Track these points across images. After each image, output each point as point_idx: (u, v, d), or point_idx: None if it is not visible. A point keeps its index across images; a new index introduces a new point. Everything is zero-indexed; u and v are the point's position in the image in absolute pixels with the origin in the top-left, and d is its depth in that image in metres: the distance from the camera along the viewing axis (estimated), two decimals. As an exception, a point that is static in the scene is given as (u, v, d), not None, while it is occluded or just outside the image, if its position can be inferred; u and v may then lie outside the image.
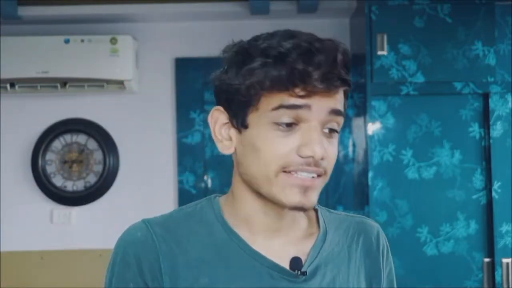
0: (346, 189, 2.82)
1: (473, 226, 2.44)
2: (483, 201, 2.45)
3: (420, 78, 2.45)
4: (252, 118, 0.89)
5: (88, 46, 2.67)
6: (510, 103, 2.46)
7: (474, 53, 2.46)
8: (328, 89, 0.87)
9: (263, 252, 0.93)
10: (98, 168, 2.84)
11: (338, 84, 0.88)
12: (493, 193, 2.42)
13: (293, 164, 0.87)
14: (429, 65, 2.46)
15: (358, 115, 2.71)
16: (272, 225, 0.95)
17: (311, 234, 0.98)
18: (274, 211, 0.93)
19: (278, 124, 0.87)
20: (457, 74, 2.46)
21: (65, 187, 2.84)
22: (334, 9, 2.76)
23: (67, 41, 2.68)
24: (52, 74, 2.67)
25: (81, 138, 2.87)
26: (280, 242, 0.95)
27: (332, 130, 0.90)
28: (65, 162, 2.85)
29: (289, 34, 0.91)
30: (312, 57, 0.87)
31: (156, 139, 2.88)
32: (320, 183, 0.91)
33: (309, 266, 0.93)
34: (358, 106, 2.71)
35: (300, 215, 0.98)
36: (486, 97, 2.47)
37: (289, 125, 0.87)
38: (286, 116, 0.87)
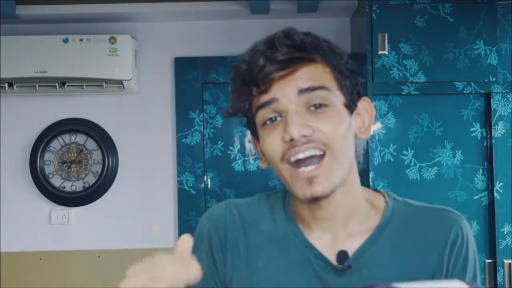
0: (346, 190, 2.80)
1: (475, 227, 2.43)
2: (485, 201, 2.44)
3: (421, 78, 2.44)
4: (257, 126, 0.97)
5: (87, 46, 2.66)
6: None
7: (476, 53, 2.45)
8: (278, 72, 0.90)
9: (316, 243, 0.98)
10: (97, 168, 2.83)
11: (285, 65, 0.90)
12: (495, 194, 2.41)
13: (285, 151, 0.91)
14: (430, 65, 2.45)
15: (358, 115, 2.70)
16: (320, 216, 0.97)
17: (370, 229, 0.99)
18: (310, 206, 0.97)
19: (265, 125, 0.94)
20: (458, 74, 2.45)
21: (63, 187, 2.82)
22: (334, 8, 2.75)
23: (65, 41, 2.66)
24: (51, 73, 2.65)
25: (80, 138, 2.85)
26: (334, 235, 0.98)
27: (319, 106, 0.91)
28: (63, 162, 2.84)
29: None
30: (253, 55, 0.92)
31: (156, 139, 2.87)
32: (327, 164, 0.91)
33: (356, 260, 0.96)
34: (358, 106, 2.70)
35: (354, 205, 0.98)
36: (487, 97, 2.45)
37: (273, 120, 0.93)
38: (266, 115, 0.93)
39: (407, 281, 0.86)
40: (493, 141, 2.42)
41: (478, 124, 2.46)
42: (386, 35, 2.44)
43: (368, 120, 1.01)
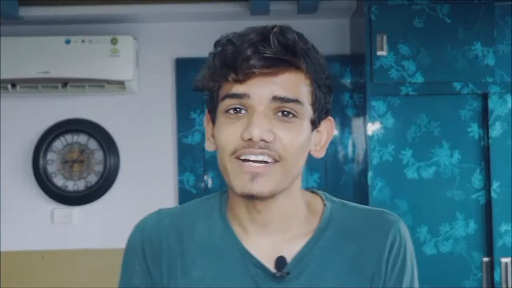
0: (345, 189, 2.83)
1: (472, 225, 2.45)
2: (482, 201, 2.46)
3: (419, 79, 2.46)
4: (217, 112, 0.93)
5: (89, 47, 2.68)
6: (509, 103, 2.47)
7: (473, 54, 2.47)
8: (262, 69, 0.86)
9: (253, 249, 0.95)
10: (99, 168, 2.85)
11: (271, 63, 0.86)
12: (492, 193, 2.43)
13: (239, 148, 0.88)
14: (428, 66, 2.47)
15: (357, 115, 2.72)
16: (257, 219, 0.95)
17: (308, 232, 0.96)
18: (249, 204, 0.94)
19: (227, 112, 0.90)
20: (456, 75, 2.47)
21: (66, 187, 2.85)
22: (333, 9, 2.77)
23: (68, 42, 2.69)
24: (53, 74, 2.67)
25: (82, 138, 2.88)
26: (272, 240, 0.95)
27: (288, 114, 0.89)
28: (66, 162, 2.86)
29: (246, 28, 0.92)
30: (243, 41, 0.87)
31: (157, 139, 2.89)
32: (276, 170, 0.88)
33: (295, 265, 0.93)
34: (357, 106, 2.72)
35: (294, 210, 0.96)
36: (485, 97, 2.47)
37: (238, 111, 0.89)
38: (232, 104, 0.89)
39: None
40: (490, 141, 2.45)
41: (475, 124, 2.48)
42: (385, 36, 2.46)
43: (325, 140, 0.98)
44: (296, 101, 0.88)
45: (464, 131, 2.47)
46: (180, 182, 2.86)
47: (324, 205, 1.00)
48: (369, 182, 2.44)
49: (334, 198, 1.02)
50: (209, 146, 0.97)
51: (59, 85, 2.73)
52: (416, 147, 2.47)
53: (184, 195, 2.84)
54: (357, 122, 2.74)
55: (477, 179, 2.46)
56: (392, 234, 0.97)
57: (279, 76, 0.88)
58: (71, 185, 2.85)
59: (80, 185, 2.86)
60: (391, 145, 2.48)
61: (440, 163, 2.47)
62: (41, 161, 2.82)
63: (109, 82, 2.72)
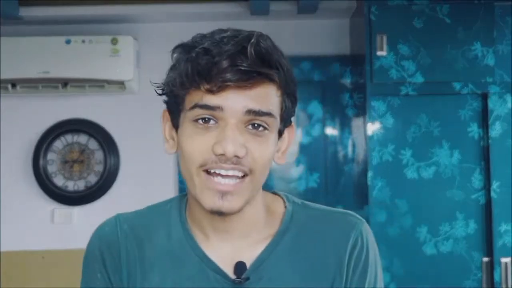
0: (345, 189, 2.83)
1: (472, 225, 2.45)
2: (482, 200, 2.46)
3: (419, 79, 2.46)
4: (182, 118, 0.90)
5: (89, 47, 2.68)
6: (509, 103, 2.47)
7: (473, 54, 2.47)
8: (237, 83, 0.83)
9: (213, 255, 0.94)
10: (99, 168, 2.85)
11: (247, 77, 0.83)
12: (492, 193, 2.43)
13: (209, 162, 0.86)
14: (428, 66, 2.47)
15: (357, 115, 2.73)
16: (220, 227, 0.93)
17: (269, 236, 0.95)
18: (211, 217, 0.92)
19: (196, 121, 0.87)
20: (456, 75, 2.47)
21: (66, 187, 2.85)
22: (333, 9, 2.77)
23: (68, 42, 2.69)
24: (53, 74, 2.68)
25: (82, 138, 2.88)
26: (233, 245, 0.94)
27: (258, 127, 0.87)
28: (66, 162, 2.86)
29: (220, 30, 0.89)
30: (219, 51, 0.84)
31: (157, 139, 2.89)
32: (246, 185, 0.87)
33: (254, 271, 0.92)
34: (357, 107, 2.72)
35: (256, 216, 0.95)
36: (485, 97, 2.48)
37: (207, 121, 0.86)
38: (202, 115, 0.86)
39: None
40: (490, 141, 2.45)
41: (475, 124, 2.48)
42: (385, 36, 2.46)
43: (285, 146, 0.96)
44: (269, 114, 0.86)
45: (464, 131, 2.48)
46: (180, 182, 2.87)
47: (285, 207, 0.98)
48: (369, 182, 2.44)
49: (296, 200, 1.00)
50: (168, 148, 0.95)
51: (59, 85, 2.73)
52: (416, 147, 2.47)
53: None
54: (357, 122, 2.75)
55: (477, 179, 2.47)
56: (353, 236, 0.95)
57: (253, 89, 0.85)
58: (71, 185, 2.86)
59: (80, 185, 2.86)
60: (391, 145, 2.48)
61: (440, 163, 2.47)
62: (41, 161, 2.82)
63: (109, 82, 2.72)
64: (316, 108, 2.88)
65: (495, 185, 2.43)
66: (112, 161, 2.84)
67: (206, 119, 0.86)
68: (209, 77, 0.84)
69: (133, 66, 2.73)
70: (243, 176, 0.87)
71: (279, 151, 0.95)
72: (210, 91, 0.84)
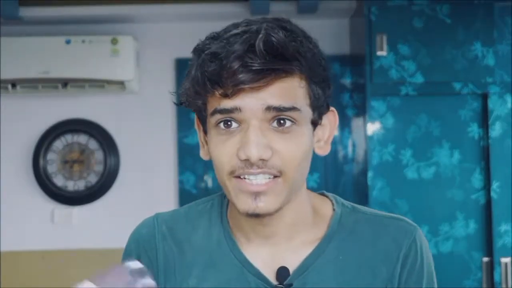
0: (345, 189, 2.83)
1: (472, 225, 2.45)
2: (482, 200, 2.46)
3: (419, 79, 2.46)
4: (208, 124, 0.86)
5: (89, 47, 2.69)
6: (509, 103, 2.47)
7: (473, 54, 2.47)
8: (251, 84, 0.78)
9: (255, 259, 0.89)
10: (99, 168, 2.85)
11: (261, 76, 0.78)
12: (492, 193, 2.43)
13: (237, 168, 0.81)
14: (428, 66, 2.47)
15: (357, 115, 2.73)
16: (260, 231, 0.89)
17: (314, 240, 0.90)
18: (250, 220, 0.88)
19: (217, 126, 0.83)
20: (456, 75, 2.47)
21: (66, 187, 2.85)
22: (333, 9, 2.77)
23: (68, 42, 2.69)
24: (53, 74, 2.68)
25: (82, 138, 2.88)
26: (276, 249, 0.90)
27: (284, 123, 0.81)
28: (66, 162, 2.87)
29: (233, 26, 0.84)
30: (227, 54, 0.79)
31: (157, 139, 2.90)
32: (278, 186, 0.82)
33: (298, 277, 0.87)
34: (357, 106, 2.72)
35: (299, 218, 0.89)
36: (485, 97, 2.48)
37: (229, 125, 0.82)
38: (222, 118, 0.82)
39: None
40: (490, 141, 2.45)
41: (475, 124, 2.48)
42: (385, 36, 2.46)
43: (328, 132, 0.90)
44: (293, 108, 0.81)
45: (464, 131, 2.48)
46: (180, 182, 2.86)
47: (333, 210, 0.93)
48: (369, 182, 2.44)
49: (346, 203, 0.95)
50: (203, 155, 0.91)
51: (59, 85, 2.73)
52: (416, 147, 2.47)
53: (184, 195, 2.85)
54: (357, 122, 2.75)
55: (477, 179, 2.47)
56: (406, 244, 0.89)
57: (270, 87, 0.80)
58: (71, 185, 2.86)
59: (80, 185, 2.86)
60: (391, 145, 2.48)
61: (440, 163, 2.47)
62: (41, 161, 2.82)
63: (109, 82, 2.72)
64: (316, 108, 2.88)
65: (495, 185, 2.43)
66: (112, 161, 2.85)
67: (229, 122, 0.81)
68: (221, 82, 0.79)
69: (133, 66, 2.73)
70: (275, 177, 0.82)
71: (322, 140, 0.89)
72: (226, 95, 0.80)
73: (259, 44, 0.77)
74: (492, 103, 2.46)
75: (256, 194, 0.82)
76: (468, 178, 2.46)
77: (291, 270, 0.88)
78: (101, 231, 2.85)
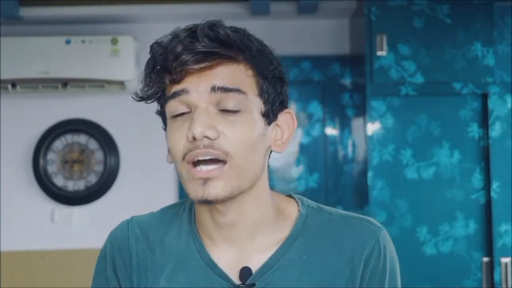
0: (345, 189, 2.83)
1: (472, 225, 2.45)
2: (482, 200, 2.46)
3: (419, 79, 2.46)
4: (167, 118, 0.90)
5: (89, 47, 2.69)
6: (509, 103, 2.47)
7: (473, 54, 2.47)
8: (195, 64, 0.83)
9: (219, 260, 0.91)
10: (99, 168, 2.86)
11: (203, 57, 0.83)
12: (492, 193, 2.43)
13: (188, 153, 0.85)
14: (428, 66, 2.47)
15: (357, 115, 2.73)
16: (221, 224, 0.90)
17: (279, 241, 0.91)
18: (212, 208, 0.90)
19: (174, 117, 0.87)
20: (456, 75, 2.47)
21: (66, 187, 2.85)
22: (333, 9, 2.77)
23: (68, 42, 2.69)
24: (53, 74, 2.68)
25: (82, 138, 2.88)
26: (240, 250, 0.91)
27: (230, 105, 0.84)
28: (66, 162, 2.87)
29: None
30: (171, 40, 0.86)
31: (157, 139, 2.88)
32: (226, 173, 0.84)
33: (260, 277, 0.89)
34: (357, 107, 2.72)
35: (260, 216, 0.91)
36: (485, 97, 2.48)
37: (181, 114, 0.86)
38: (176, 108, 0.86)
39: None
40: (490, 141, 2.45)
41: (475, 124, 2.48)
42: (385, 36, 2.46)
43: (287, 134, 0.92)
44: (237, 90, 0.84)
45: (464, 131, 2.48)
46: (180, 182, 2.86)
47: (299, 211, 0.94)
48: (369, 182, 2.44)
49: (312, 203, 0.96)
50: (167, 158, 0.94)
51: (59, 85, 2.73)
52: (416, 147, 2.47)
53: (184, 195, 2.83)
54: (357, 122, 2.75)
55: (477, 179, 2.47)
56: (370, 244, 0.90)
57: (214, 69, 0.84)
58: (71, 185, 2.86)
59: (80, 185, 2.86)
60: (391, 145, 2.48)
61: (440, 163, 2.47)
62: (41, 161, 2.82)
63: (109, 82, 2.72)
64: (316, 108, 2.89)
65: (495, 185, 2.44)
66: (112, 161, 2.85)
67: (183, 113, 0.86)
68: (167, 67, 0.84)
69: (133, 66, 2.73)
70: (223, 162, 0.84)
71: (279, 140, 0.92)
72: (174, 81, 0.85)
73: (200, 30, 0.83)
74: (492, 103, 2.46)
75: (205, 180, 0.84)
76: (468, 178, 2.46)
77: (254, 270, 0.89)
78: (101, 231, 2.82)
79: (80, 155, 2.88)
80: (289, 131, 0.93)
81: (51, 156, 2.86)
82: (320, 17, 2.84)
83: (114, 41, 2.69)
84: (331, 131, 2.88)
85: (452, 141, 2.47)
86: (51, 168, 2.85)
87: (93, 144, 2.87)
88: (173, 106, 0.86)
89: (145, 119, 2.89)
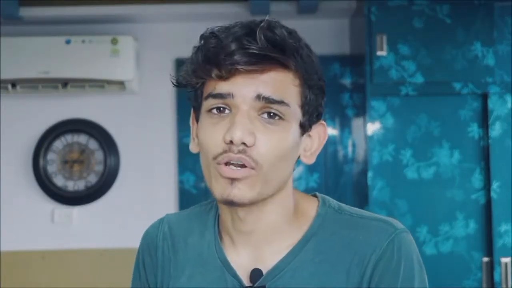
0: (345, 189, 2.83)
1: (472, 225, 2.45)
2: (482, 200, 2.46)
3: (419, 79, 2.46)
4: (201, 109, 0.87)
5: (89, 47, 2.69)
6: (509, 103, 2.47)
7: (473, 54, 2.47)
8: (246, 66, 0.80)
9: (235, 260, 0.91)
10: (99, 168, 2.86)
11: (256, 60, 0.80)
12: (492, 193, 2.43)
13: (221, 152, 0.83)
14: (428, 66, 2.47)
15: (357, 115, 2.73)
16: (241, 230, 0.90)
17: (294, 242, 0.90)
18: (233, 212, 0.89)
19: (210, 111, 0.85)
20: (456, 75, 2.47)
21: (66, 187, 2.85)
22: (334, 9, 2.78)
23: (68, 42, 2.69)
24: (53, 74, 2.68)
25: (82, 138, 2.88)
26: (256, 251, 0.90)
27: (274, 116, 0.83)
28: (66, 162, 2.87)
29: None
30: (227, 35, 0.82)
31: (157, 139, 2.90)
32: (253, 177, 0.82)
33: (271, 279, 0.88)
34: (357, 107, 2.72)
35: (278, 219, 0.89)
36: (485, 97, 2.48)
37: (222, 111, 0.84)
38: (216, 104, 0.84)
39: None
40: (490, 141, 2.45)
41: (475, 124, 2.48)
42: (385, 36, 2.46)
43: (316, 146, 0.91)
44: (281, 102, 0.82)
45: (464, 131, 2.48)
46: (180, 182, 2.86)
47: (317, 211, 0.92)
48: (369, 182, 2.44)
49: (334, 204, 0.93)
50: (193, 147, 0.91)
51: (59, 85, 2.73)
52: (416, 147, 2.47)
53: (184, 195, 2.85)
54: (357, 122, 2.75)
55: (477, 179, 2.47)
56: (380, 246, 0.86)
57: (265, 74, 0.82)
58: (71, 185, 2.86)
59: (80, 185, 2.86)
60: (391, 145, 2.48)
61: (440, 163, 2.47)
62: (41, 161, 2.82)
63: (109, 82, 2.73)
64: (316, 108, 2.88)
65: (495, 185, 2.44)
66: (112, 161, 2.85)
67: (221, 108, 0.83)
68: (218, 62, 0.81)
69: (133, 66, 2.73)
70: (251, 169, 0.83)
71: (309, 151, 0.90)
72: (221, 77, 0.82)
73: (260, 30, 0.80)
74: (492, 103, 2.46)
75: (233, 180, 0.82)
76: (468, 178, 2.46)
77: (266, 272, 0.88)
78: (101, 231, 2.85)
79: (80, 155, 2.88)
80: (319, 142, 0.91)
81: (51, 156, 2.86)
82: (320, 17, 2.84)
83: (114, 41, 2.69)
84: (331, 131, 2.88)
85: (452, 141, 2.47)
86: (51, 168, 2.85)
87: (93, 144, 2.87)
88: (213, 103, 0.84)
89: (145, 119, 2.90)
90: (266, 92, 0.82)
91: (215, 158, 0.83)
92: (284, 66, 0.83)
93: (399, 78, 2.46)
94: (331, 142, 2.88)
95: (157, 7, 2.77)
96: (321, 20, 2.87)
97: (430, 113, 2.48)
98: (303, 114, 0.87)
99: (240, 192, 0.83)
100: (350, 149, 2.85)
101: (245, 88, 0.82)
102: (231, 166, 0.82)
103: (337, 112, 2.88)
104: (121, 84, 2.74)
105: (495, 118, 2.46)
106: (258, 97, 0.82)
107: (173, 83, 0.90)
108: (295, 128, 0.85)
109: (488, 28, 2.48)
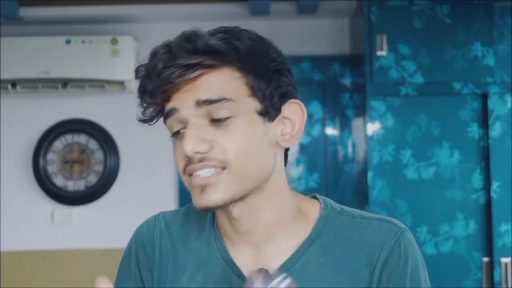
0: (345, 189, 2.83)
1: (472, 225, 2.45)
2: (482, 200, 2.46)
3: (419, 79, 2.46)
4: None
5: (89, 47, 2.69)
6: (509, 103, 2.47)
7: (473, 54, 2.47)
8: (179, 80, 0.82)
9: (239, 260, 0.90)
10: (99, 168, 2.86)
11: (184, 70, 0.82)
12: (492, 193, 2.43)
13: (185, 166, 0.85)
14: (428, 66, 2.47)
15: (357, 115, 2.73)
16: (238, 229, 0.90)
17: (298, 243, 0.90)
18: (227, 211, 0.89)
19: (173, 135, 0.89)
20: (456, 75, 2.47)
21: (66, 187, 2.85)
22: (333, 9, 2.77)
23: (68, 42, 2.69)
24: (53, 74, 2.68)
25: (82, 138, 2.88)
26: (261, 251, 0.90)
27: (219, 119, 0.83)
28: (66, 162, 2.87)
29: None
30: (151, 61, 0.86)
31: (157, 139, 2.89)
32: (225, 178, 0.83)
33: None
34: (357, 107, 2.72)
35: (278, 218, 0.89)
36: (485, 97, 2.48)
37: (179, 132, 0.87)
38: (172, 126, 0.87)
39: None
40: (490, 141, 2.45)
41: (475, 124, 2.48)
42: (385, 36, 2.46)
43: (298, 126, 0.89)
44: (223, 99, 0.82)
45: (464, 131, 2.48)
46: (180, 182, 2.86)
47: (320, 213, 0.92)
48: (369, 182, 2.44)
49: (336, 205, 0.94)
50: None
51: (59, 85, 2.73)
52: (416, 147, 2.47)
53: (184, 195, 2.85)
54: (357, 122, 2.75)
55: (477, 179, 2.47)
56: (388, 245, 0.87)
57: (198, 81, 0.83)
58: (71, 185, 2.86)
59: (80, 185, 2.86)
60: (391, 145, 2.48)
61: (440, 163, 2.47)
62: (41, 161, 2.82)
63: (109, 82, 2.73)
64: (316, 108, 2.89)
65: (495, 185, 2.44)
66: (112, 161, 2.85)
67: (180, 131, 0.86)
68: (154, 87, 0.84)
69: (133, 66, 2.72)
70: (221, 170, 0.83)
71: (287, 134, 0.88)
72: (164, 99, 0.85)
73: (177, 44, 0.84)
74: (492, 103, 2.46)
75: (203, 187, 0.83)
76: (468, 178, 2.46)
77: (271, 272, 0.88)
78: (101, 231, 2.85)
79: (80, 155, 2.88)
80: (299, 122, 0.89)
81: (51, 156, 2.86)
82: (320, 17, 2.84)
83: (114, 41, 2.69)
84: (331, 131, 2.88)
85: (452, 141, 2.47)
86: (51, 168, 2.85)
87: (93, 144, 2.87)
88: (169, 125, 0.87)
89: (145, 119, 2.89)
90: (204, 95, 0.83)
91: (184, 172, 0.86)
92: (215, 66, 0.83)
93: (399, 78, 2.46)
94: (331, 142, 2.88)
95: (157, 7, 2.77)
96: (321, 20, 2.87)
97: (430, 113, 2.48)
98: (260, 102, 0.85)
99: (210, 197, 0.83)
100: (350, 149, 2.85)
101: (185, 99, 0.84)
102: (198, 172, 0.83)
103: (337, 112, 2.88)
104: (121, 84, 2.74)
105: (495, 118, 2.46)
106: (198, 102, 0.83)
107: (139, 121, 0.94)
108: (254, 118, 0.85)
109: (488, 28, 2.48)
